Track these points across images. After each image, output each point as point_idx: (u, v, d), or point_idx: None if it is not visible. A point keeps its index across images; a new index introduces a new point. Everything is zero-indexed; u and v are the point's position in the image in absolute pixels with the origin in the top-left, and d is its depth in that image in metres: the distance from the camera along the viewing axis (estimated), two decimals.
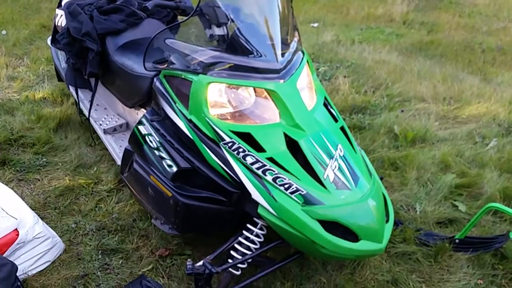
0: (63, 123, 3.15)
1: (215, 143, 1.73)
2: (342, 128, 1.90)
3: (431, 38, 6.49)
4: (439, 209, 2.39)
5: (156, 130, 1.89)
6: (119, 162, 2.42)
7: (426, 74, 4.37)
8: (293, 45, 1.91)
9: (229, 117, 1.77)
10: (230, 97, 1.80)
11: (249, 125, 1.74)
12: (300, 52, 1.96)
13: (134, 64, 2.38)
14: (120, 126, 2.67)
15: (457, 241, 2.12)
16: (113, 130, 2.66)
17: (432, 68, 4.76)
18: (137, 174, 2.01)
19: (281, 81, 1.76)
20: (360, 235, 1.61)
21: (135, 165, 2.02)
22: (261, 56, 1.79)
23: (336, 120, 1.91)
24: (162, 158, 1.86)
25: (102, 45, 2.50)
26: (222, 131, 1.70)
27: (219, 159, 1.72)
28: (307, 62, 1.99)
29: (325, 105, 1.95)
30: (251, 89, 1.78)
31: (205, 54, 1.81)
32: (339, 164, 1.71)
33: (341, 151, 1.76)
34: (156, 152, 1.88)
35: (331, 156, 1.71)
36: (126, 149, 2.12)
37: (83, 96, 2.94)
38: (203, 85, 1.73)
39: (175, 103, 1.84)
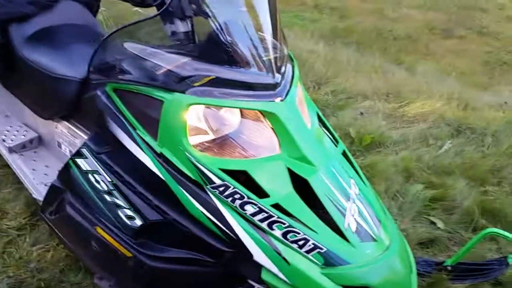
0: None
1: (199, 187, 1.27)
2: (344, 154, 1.55)
3: (345, 24, 6.45)
4: (417, 227, 2.18)
5: (107, 166, 1.36)
6: (34, 193, 1.82)
7: (357, 65, 4.21)
8: (284, 51, 1.49)
9: (215, 149, 1.32)
10: (209, 119, 1.35)
11: (244, 160, 1.30)
12: (289, 59, 1.55)
13: (52, 62, 1.78)
14: (31, 141, 2.03)
15: (449, 268, 1.92)
16: (22, 148, 2.01)
17: (358, 58, 4.64)
18: (72, 221, 1.47)
19: (278, 99, 1.35)
20: None
21: (68, 210, 1.47)
22: (251, 66, 1.35)
23: (336, 143, 1.55)
24: (118, 206, 1.34)
25: (4, 35, 1.85)
26: (210, 170, 1.25)
27: (205, 208, 1.27)
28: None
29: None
30: (236, 109, 1.35)
31: (175, 63, 1.32)
32: (358, 207, 1.36)
33: (355, 188, 1.41)
34: (108, 198, 1.36)
35: (348, 197, 1.35)
36: (53, 186, 1.54)
37: None
38: (181, 108, 1.25)
39: (134, 129, 1.33)
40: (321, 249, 1.24)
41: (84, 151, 1.39)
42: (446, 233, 2.18)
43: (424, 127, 3.05)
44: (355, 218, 1.32)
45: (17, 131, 2.06)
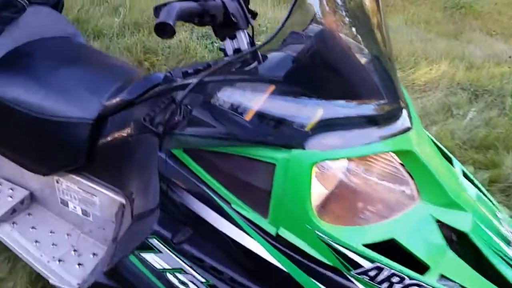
0: None
1: (339, 274, 0.90)
2: (464, 175, 1.22)
3: None
4: None
5: (194, 261, 0.94)
6: (50, 277, 1.36)
7: None
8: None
9: (341, 214, 0.96)
10: (317, 170, 0.98)
11: (387, 224, 0.95)
12: None
13: (40, 99, 1.32)
14: (21, 202, 1.53)
15: None
16: (11, 213, 1.51)
17: None
18: None
19: (405, 126, 0.99)
20: None
21: None
22: (367, 91, 0.98)
23: (450, 160, 1.22)
24: None
25: None
26: (352, 250, 0.88)
27: None
28: None
29: None
30: None
31: (274, 101, 0.91)
32: None
33: (505, 224, 1.11)
34: None
35: (507, 241, 1.05)
36: (98, 284, 1.11)
37: None
38: (303, 170, 0.86)
39: (228, 204, 0.92)
40: None
41: (154, 242, 0.96)
42: None
43: (441, 95, 2.80)
44: None
45: None
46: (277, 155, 0.86)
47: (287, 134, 0.88)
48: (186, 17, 0.86)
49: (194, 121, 0.92)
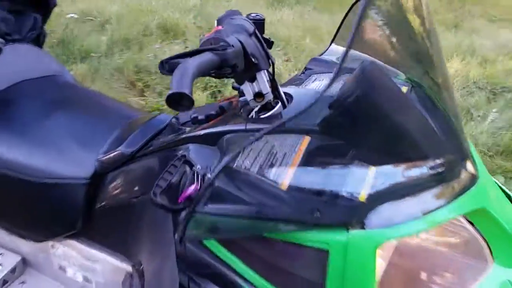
0: None
1: None
2: None
3: None
4: None
5: None
6: None
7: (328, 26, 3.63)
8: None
9: None
10: None
11: None
12: None
13: (28, 159, 1.14)
14: (13, 270, 1.34)
15: None
16: (3, 284, 1.32)
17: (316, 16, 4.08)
18: None
19: (469, 176, 0.81)
20: None
21: None
22: (428, 146, 0.80)
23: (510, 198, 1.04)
24: None
25: None
26: None
27: None
28: None
29: None
30: None
31: (321, 172, 0.73)
32: None
33: None
34: None
35: None
36: None
37: None
38: (366, 254, 0.68)
39: None
40: None
41: None
42: None
43: (456, 96, 2.62)
44: None
45: None
46: (330, 238, 0.68)
47: (339, 208, 0.69)
48: (203, 73, 0.67)
49: (215, 194, 0.73)
